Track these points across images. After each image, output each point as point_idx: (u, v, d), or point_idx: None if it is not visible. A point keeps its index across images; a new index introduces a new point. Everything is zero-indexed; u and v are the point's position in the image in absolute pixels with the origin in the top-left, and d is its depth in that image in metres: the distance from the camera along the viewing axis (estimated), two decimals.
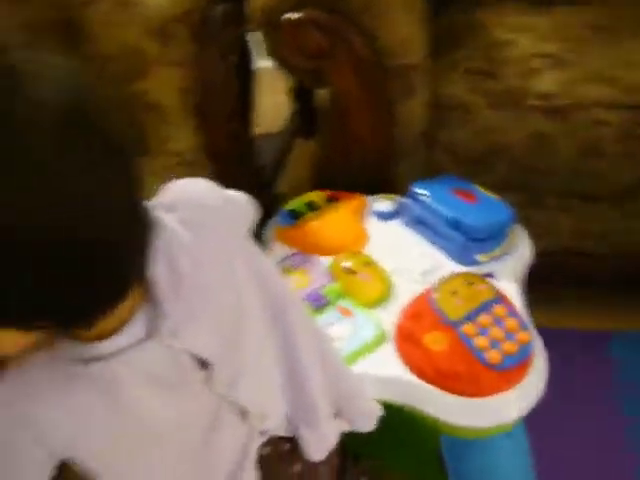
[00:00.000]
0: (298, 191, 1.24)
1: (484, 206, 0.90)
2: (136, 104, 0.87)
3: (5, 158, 0.36)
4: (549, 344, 0.81)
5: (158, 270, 0.46)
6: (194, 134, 0.95)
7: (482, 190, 0.93)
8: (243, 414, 0.55)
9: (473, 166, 1.04)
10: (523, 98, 1.03)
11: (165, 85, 0.88)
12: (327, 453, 0.62)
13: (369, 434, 0.68)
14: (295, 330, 0.59)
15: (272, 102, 1.30)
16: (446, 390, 0.74)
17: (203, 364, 0.50)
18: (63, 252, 0.38)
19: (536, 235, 1.05)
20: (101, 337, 0.45)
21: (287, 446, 0.60)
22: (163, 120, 0.90)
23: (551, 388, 0.77)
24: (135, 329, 0.46)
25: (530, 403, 0.75)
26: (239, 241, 0.56)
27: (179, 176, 0.54)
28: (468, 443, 0.79)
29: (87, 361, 0.45)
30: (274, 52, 0.97)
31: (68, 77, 0.40)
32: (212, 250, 0.51)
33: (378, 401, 0.70)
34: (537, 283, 1.03)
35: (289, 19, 0.91)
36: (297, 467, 0.61)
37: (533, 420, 0.80)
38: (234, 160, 1.03)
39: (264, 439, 0.59)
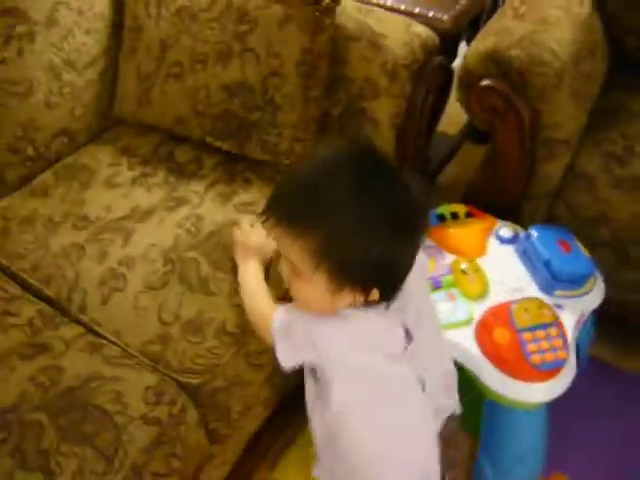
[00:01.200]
0: (454, 187, 1.58)
1: (574, 258, 1.21)
2: (363, 116, 1.30)
3: (409, 230, 0.79)
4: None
5: None
6: (392, 142, 1.35)
7: (579, 245, 1.24)
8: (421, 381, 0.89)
9: (583, 224, 1.33)
10: None
11: (384, 109, 1.27)
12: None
13: None
14: (429, 316, 0.97)
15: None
16: (498, 368, 1.11)
17: (407, 335, 0.85)
18: (403, 271, 0.81)
19: (621, 287, 1.35)
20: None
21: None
22: (376, 129, 1.31)
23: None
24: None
25: (550, 397, 1.10)
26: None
27: None
28: (501, 409, 1.16)
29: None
30: (463, 101, 1.33)
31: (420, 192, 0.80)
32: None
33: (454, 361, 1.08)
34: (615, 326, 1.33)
35: (482, 84, 1.26)
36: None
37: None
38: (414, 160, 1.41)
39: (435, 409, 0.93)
